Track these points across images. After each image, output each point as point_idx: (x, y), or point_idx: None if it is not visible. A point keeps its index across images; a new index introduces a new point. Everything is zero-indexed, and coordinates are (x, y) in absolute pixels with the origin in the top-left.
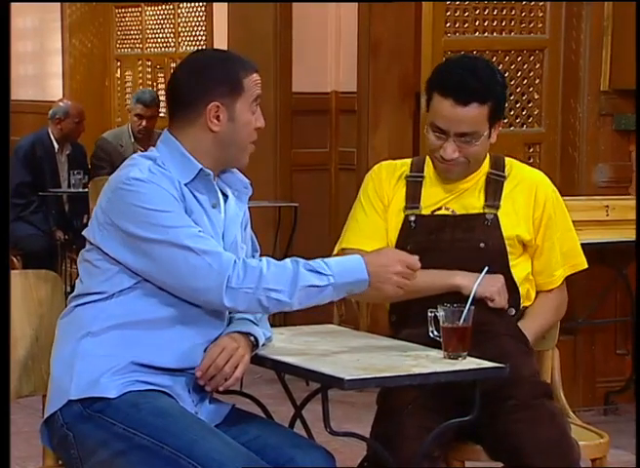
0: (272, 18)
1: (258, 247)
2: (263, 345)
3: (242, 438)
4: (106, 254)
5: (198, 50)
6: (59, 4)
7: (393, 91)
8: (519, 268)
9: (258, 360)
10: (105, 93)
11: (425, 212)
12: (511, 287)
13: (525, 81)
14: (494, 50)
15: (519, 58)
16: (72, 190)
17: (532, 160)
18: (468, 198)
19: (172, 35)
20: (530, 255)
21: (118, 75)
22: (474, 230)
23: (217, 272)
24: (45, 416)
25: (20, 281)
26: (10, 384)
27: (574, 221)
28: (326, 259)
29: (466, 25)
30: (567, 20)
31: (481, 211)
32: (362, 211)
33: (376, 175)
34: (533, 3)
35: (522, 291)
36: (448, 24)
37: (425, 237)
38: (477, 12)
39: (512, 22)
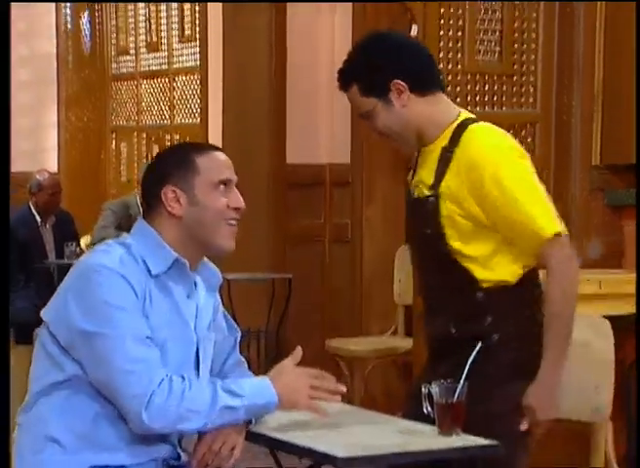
0: (266, 91)
1: (235, 325)
2: (256, 421)
3: None
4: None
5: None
6: (55, 78)
7: (387, 162)
8: (470, 248)
9: (250, 436)
10: (101, 165)
11: (411, 188)
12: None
13: None
14: None
15: (510, 132)
16: (66, 262)
17: None
18: (426, 174)
19: (167, 108)
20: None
21: (113, 147)
22: (422, 216)
23: (145, 384)
24: None
25: (13, 357)
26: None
27: None
28: (241, 380)
29: (458, 100)
30: (558, 95)
31: (428, 192)
32: None
33: None
34: (524, 78)
35: (478, 274)
36: None
37: (408, 221)
38: (469, 87)
39: (503, 97)
